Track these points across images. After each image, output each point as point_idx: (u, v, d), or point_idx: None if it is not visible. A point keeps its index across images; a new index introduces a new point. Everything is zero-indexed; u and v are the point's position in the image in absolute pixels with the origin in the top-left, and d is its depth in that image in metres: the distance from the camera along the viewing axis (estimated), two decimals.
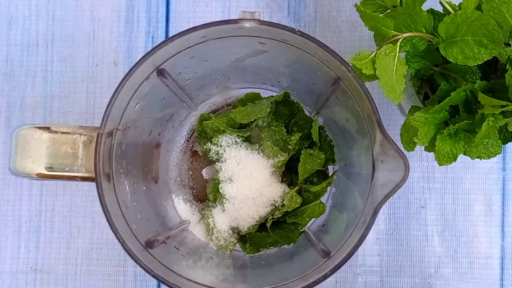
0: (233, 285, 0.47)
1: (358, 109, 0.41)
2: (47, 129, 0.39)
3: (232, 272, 0.49)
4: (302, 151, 0.48)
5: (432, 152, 0.41)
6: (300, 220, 0.49)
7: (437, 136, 0.40)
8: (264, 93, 0.52)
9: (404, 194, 0.53)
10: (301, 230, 0.50)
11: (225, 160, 0.50)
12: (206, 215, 0.51)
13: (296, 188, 0.49)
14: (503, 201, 0.53)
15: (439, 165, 0.41)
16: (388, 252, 0.52)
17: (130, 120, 0.43)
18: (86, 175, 0.39)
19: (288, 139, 0.49)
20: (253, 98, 0.51)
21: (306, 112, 0.51)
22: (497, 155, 0.41)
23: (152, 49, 0.39)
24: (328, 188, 0.50)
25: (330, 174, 0.51)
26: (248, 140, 0.51)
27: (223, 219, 0.50)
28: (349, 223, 0.42)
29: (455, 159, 0.41)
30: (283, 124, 0.50)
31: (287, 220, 0.49)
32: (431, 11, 0.41)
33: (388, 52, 0.39)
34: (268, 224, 0.49)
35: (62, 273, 0.52)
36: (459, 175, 0.53)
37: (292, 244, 0.49)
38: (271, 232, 0.49)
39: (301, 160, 0.48)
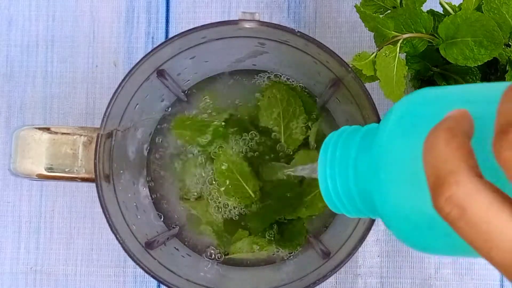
0: (233, 285, 0.47)
1: (358, 109, 0.41)
2: (47, 130, 0.39)
3: (231, 273, 0.49)
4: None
5: None
6: (302, 213, 0.49)
7: None
8: None
9: None
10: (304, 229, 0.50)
11: None
12: (205, 216, 0.51)
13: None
14: None
15: None
16: (388, 253, 0.52)
17: (130, 121, 0.43)
18: (86, 176, 0.39)
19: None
20: None
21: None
22: None
23: (152, 50, 0.39)
24: None
25: None
26: None
27: (222, 220, 0.50)
28: (349, 224, 0.42)
29: None
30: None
31: (287, 216, 0.49)
32: (431, 12, 0.41)
33: (388, 53, 0.39)
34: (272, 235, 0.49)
35: (62, 274, 0.52)
36: None
37: (299, 248, 0.49)
38: (276, 244, 0.49)
39: (295, 158, 0.48)
